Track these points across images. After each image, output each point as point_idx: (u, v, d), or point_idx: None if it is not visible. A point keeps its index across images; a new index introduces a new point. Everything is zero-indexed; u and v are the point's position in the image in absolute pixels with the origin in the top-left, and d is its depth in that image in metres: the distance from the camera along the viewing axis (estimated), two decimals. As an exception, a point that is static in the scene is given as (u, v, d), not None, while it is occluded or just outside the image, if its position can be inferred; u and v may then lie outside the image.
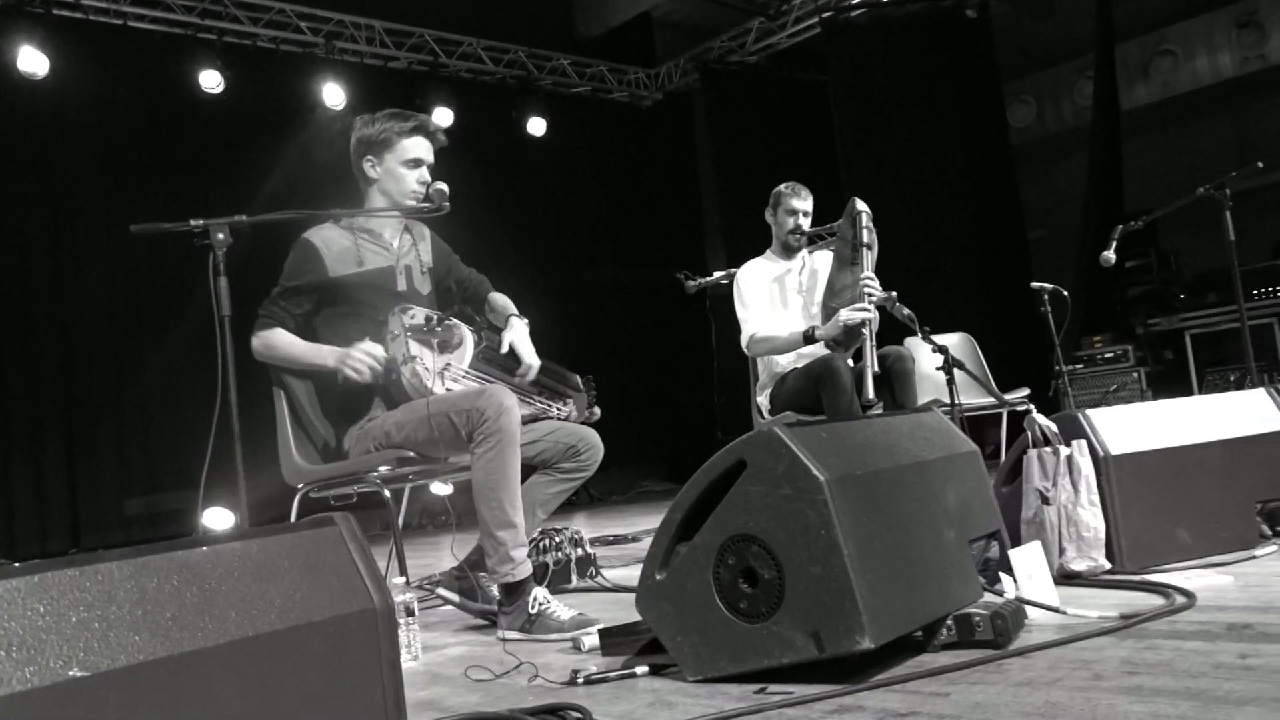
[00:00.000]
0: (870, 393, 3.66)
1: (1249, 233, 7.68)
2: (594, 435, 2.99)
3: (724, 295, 4.53)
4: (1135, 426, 2.72)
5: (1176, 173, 8.74)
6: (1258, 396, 2.95)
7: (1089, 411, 2.72)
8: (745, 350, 4.23)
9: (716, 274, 4.95)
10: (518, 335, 3.01)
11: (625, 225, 9.87)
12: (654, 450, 9.55)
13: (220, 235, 2.40)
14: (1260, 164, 4.09)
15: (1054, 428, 2.66)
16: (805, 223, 4.34)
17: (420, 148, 3.01)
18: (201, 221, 2.41)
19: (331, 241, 2.96)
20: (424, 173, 3.01)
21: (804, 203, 4.34)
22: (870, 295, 3.90)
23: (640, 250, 9.80)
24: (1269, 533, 2.79)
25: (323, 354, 2.85)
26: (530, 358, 2.99)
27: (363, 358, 2.78)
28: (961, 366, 3.53)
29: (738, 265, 4.48)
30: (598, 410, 3.14)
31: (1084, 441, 2.63)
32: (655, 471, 9.51)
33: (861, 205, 4.04)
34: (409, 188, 2.99)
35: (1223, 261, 4.37)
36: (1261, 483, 2.79)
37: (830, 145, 8.68)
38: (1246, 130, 9.33)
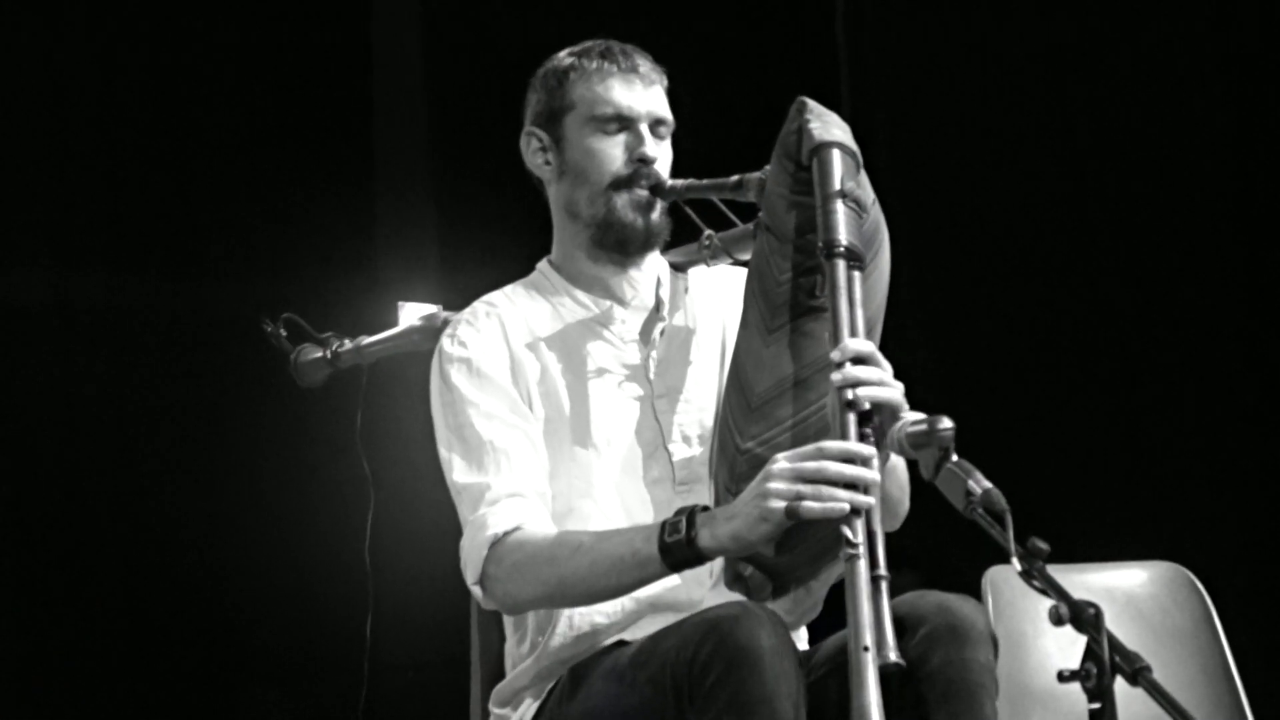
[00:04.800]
0: None
1: None
2: None
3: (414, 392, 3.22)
4: None
5: None
6: None
7: None
8: (475, 589, 2.86)
9: (407, 323, 3.57)
10: None
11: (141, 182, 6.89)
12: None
13: None
14: None
15: None
16: (664, 160, 2.97)
17: None
18: None
19: None
20: None
21: (649, 94, 2.96)
22: (880, 407, 2.55)
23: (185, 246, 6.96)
24: None
25: None
26: None
27: None
28: (1141, 674, 2.12)
29: (466, 298, 3.15)
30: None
31: None
32: None
33: (819, 122, 2.75)
34: None
35: None
36: None
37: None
38: None
